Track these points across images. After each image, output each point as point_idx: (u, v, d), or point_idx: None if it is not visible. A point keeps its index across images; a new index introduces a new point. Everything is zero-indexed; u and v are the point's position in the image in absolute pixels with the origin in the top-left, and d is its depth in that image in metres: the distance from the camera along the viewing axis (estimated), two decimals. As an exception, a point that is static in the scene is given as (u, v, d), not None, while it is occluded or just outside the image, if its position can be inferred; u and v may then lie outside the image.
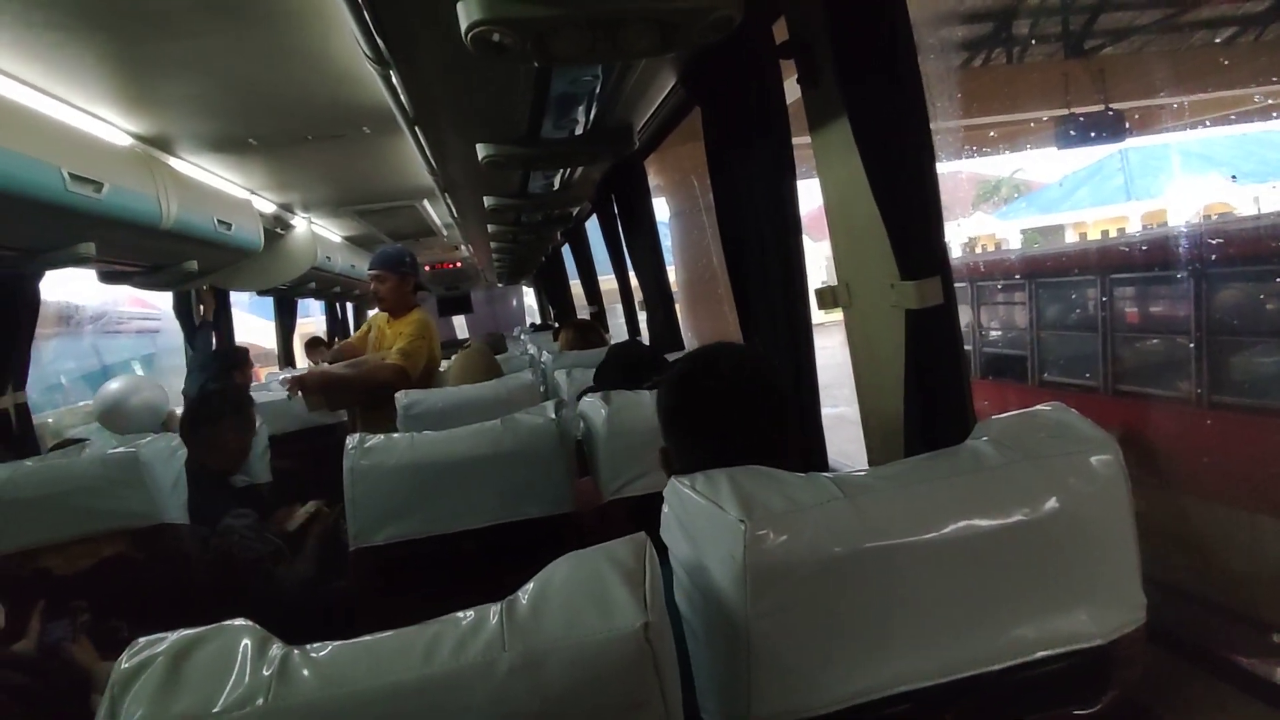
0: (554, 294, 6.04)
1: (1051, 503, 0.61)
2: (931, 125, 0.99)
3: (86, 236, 1.95)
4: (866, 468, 0.69)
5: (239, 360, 3.27)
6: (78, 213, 1.70)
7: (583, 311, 4.90)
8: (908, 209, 0.96)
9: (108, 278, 2.76)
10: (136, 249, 2.38)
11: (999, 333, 6.34)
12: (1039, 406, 0.70)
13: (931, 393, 0.92)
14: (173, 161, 2.23)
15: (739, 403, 0.85)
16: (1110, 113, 7.58)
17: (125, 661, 0.48)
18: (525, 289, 9.40)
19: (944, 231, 0.99)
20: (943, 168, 1.02)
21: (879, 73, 0.95)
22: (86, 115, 1.79)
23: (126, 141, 1.99)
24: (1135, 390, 4.58)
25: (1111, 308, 4.86)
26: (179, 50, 1.53)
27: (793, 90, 1.27)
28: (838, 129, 1.08)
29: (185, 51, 1.53)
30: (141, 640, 0.49)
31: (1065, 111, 7.74)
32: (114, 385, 2.56)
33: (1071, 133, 7.63)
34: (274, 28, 1.46)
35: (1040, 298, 5.59)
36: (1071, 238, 14.33)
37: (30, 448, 2.17)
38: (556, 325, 5.44)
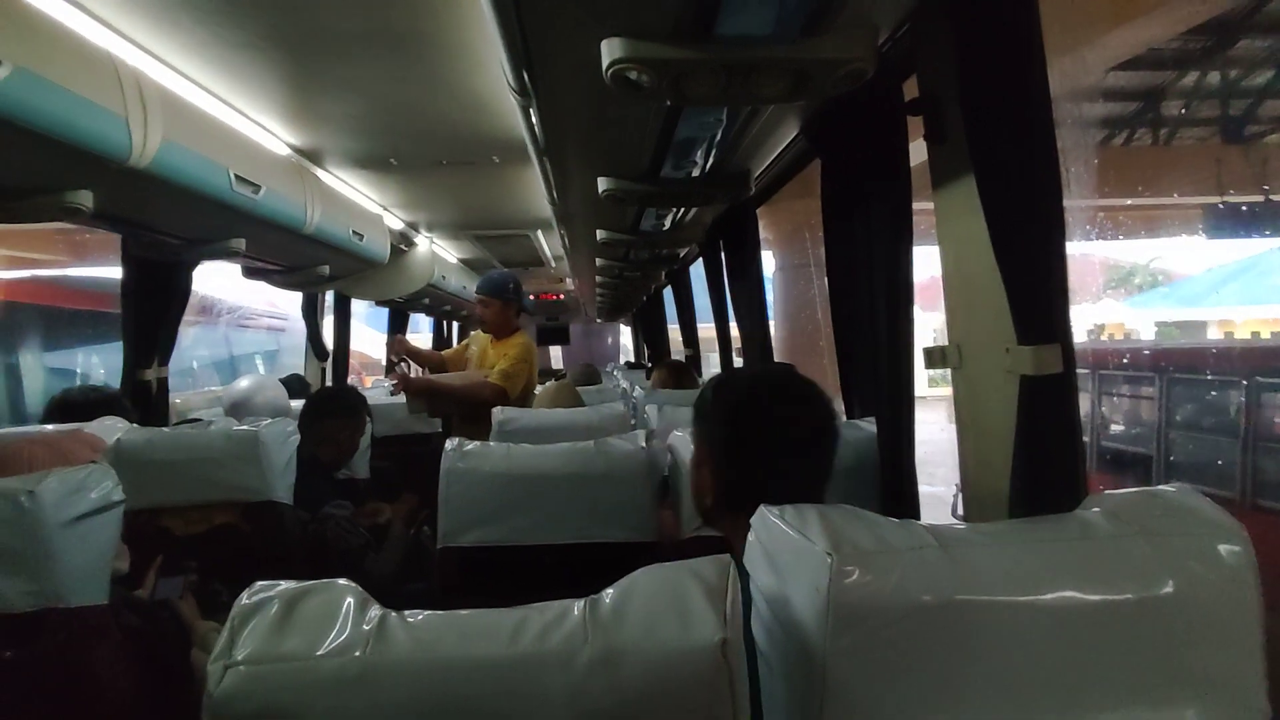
0: (651, 334, 6.12)
1: (1167, 585, 0.56)
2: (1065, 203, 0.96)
3: (240, 233, 2.16)
4: (963, 523, 0.66)
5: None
6: (236, 210, 1.89)
7: (677, 355, 4.94)
8: (1031, 272, 0.92)
9: (250, 273, 3.03)
10: (279, 249, 2.60)
11: (1120, 427, 5.91)
12: (1160, 486, 0.65)
13: (1041, 461, 0.87)
14: (319, 173, 2.44)
15: (805, 431, 0.89)
16: (1271, 203, 7.02)
17: (246, 598, 0.53)
18: (622, 328, 9.56)
19: (1068, 299, 0.95)
20: (1070, 248, 0.98)
21: (1011, 134, 0.94)
22: (255, 125, 1.99)
23: (284, 151, 2.20)
24: (1280, 508, 4.14)
25: (1258, 414, 4.44)
26: (343, 73, 1.69)
27: (915, 153, 1.26)
28: (962, 186, 1.06)
29: (348, 74, 1.69)
30: (259, 584, 0.54)
31: (1217, 199, 7.24)
32: (243, 383, 2.78)
33: (1224, 222, 7.11)
34: (429, 58, 1.59)
35: (1172, 395, 5.18)
36: (1214, 335, 13.23)
37: (165, 419, 2.37)
38: (650, 365, 5.49)
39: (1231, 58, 6.54)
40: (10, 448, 1.22)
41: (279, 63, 1.61)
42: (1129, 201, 8.22)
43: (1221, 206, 7.07)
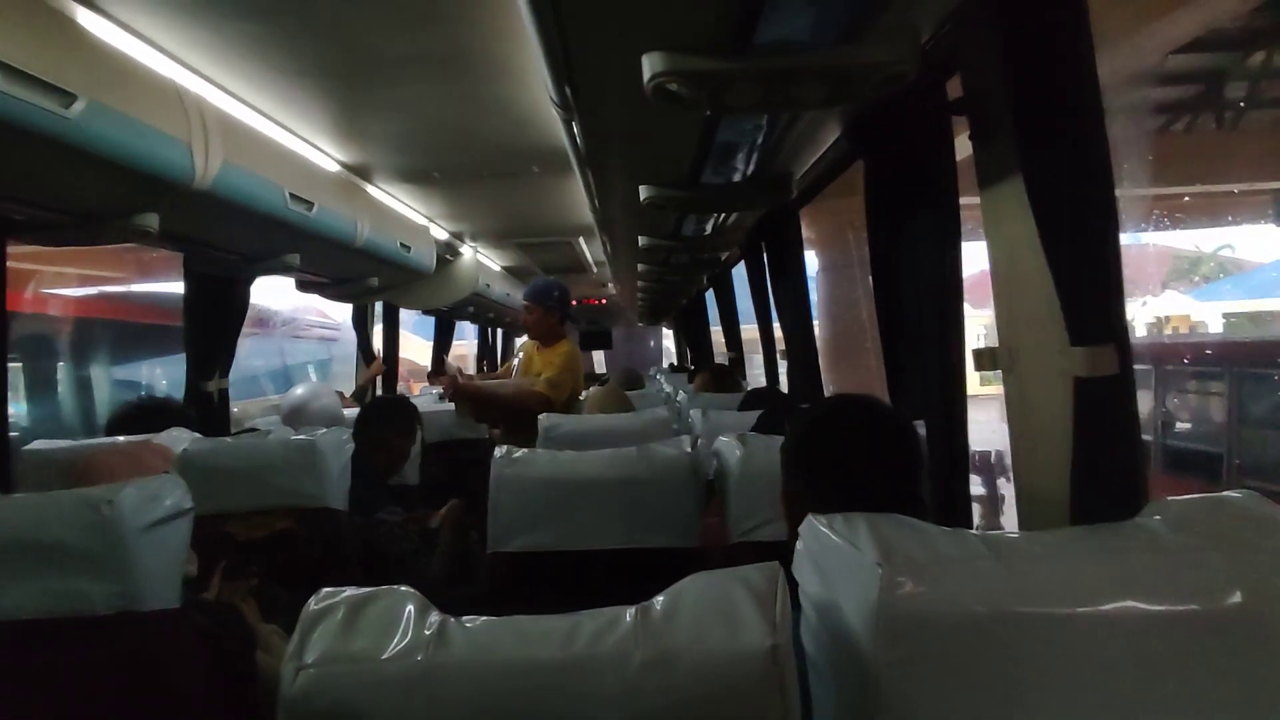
0: (693, 337, 6.12)
1: (1236, 597, 0.54)
2: (1118, 191, 0.93)
3: (294, 248, 2.24)
4: (1017, 532, 0.65)
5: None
6: (292, 227, 1.96)
7: (720, 358, 4.92)
8: (1083, 271, 0.90)
9: (303, 286, 3.13)
10: (331, 263, 2.68)
11: (1188, 425, 5.66)
12: (1226, 493, 0.63)
13: (1099, 467, 0.85)
14: (368, 188, 2.52)
15: (873, 449, 0.90)
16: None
17: (313, 604, 0.55)
18: (664, 331, 9.57)
19: (1123, 298, 0.92)
20: (1129, 239, 0.95)
21: (1061, 130, 0.92)
22: (307, 144, 2.07)
23: (335, 169, 2.28)
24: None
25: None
26: (389, 93, 1.74)
27: (959, 149, 1.24)
28: (1010, 187, 1.04)
29: (394, 95, 1.75)
30: (325, 590, 0.57)
31: (1292, 184, 6.89)
32: (299, 391, 2.88)
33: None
34: (471, 76, 1.63)
35: (1244, 391, 4.93)
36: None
37: (226, 428, 2.47)
38: (693, 368, 5.49)
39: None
40: (91, 458, 1.30)
41: (329, 86, 1.67)
42: (1193, 189, 7.87)
43: (1288, 196, 6.74)
